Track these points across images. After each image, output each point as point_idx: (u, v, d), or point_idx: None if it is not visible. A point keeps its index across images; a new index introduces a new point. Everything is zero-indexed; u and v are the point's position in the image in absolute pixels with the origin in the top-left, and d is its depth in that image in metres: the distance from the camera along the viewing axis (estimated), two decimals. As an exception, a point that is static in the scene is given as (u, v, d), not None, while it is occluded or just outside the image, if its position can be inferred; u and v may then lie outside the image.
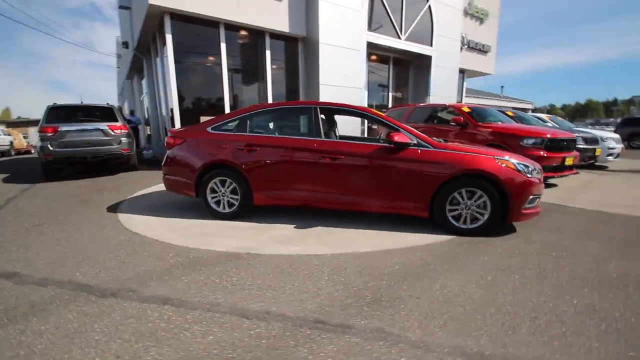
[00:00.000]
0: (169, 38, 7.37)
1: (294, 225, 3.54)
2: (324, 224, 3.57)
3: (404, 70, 12.35)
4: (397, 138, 3.24)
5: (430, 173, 3.19)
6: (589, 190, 5.46)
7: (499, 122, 6.25)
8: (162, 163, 4.13)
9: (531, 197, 3.16)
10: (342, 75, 9.36)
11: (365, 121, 9.75)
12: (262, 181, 3.65)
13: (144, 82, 12.03)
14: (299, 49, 9.42)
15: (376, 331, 1.73)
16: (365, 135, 9.97)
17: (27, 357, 1.57)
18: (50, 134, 6.53)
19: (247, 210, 3.79)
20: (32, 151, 20.27)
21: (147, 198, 5.01)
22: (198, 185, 3.82)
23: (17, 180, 7.19)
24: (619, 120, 20.07)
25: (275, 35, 8.87)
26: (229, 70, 8.36)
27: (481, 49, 14.58)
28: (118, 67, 19.74)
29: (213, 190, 3.81)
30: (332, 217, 3.74)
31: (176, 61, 7.56)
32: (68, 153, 6.70)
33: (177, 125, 7.70)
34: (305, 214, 3.91)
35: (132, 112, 13.61)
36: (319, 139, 3.54)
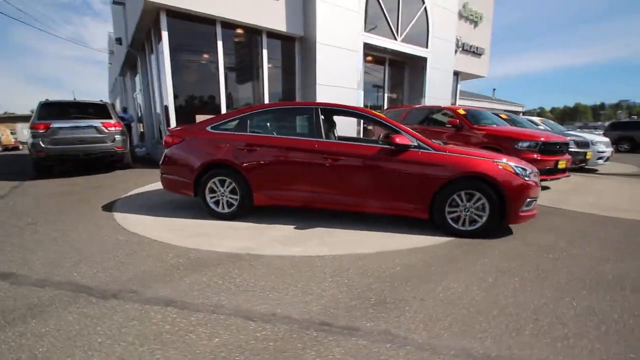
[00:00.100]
0: (164, 35, 7.26)
1: (294, 226, 3.53)
2: (324, 224, 3.57)
3: (399, 71, 12.42)
4: (399, 140, 3.26)
5: (431, 175, 3.22)
6: (580, 193, 5.57)
7: (494, 125, 6.33)
8: (160, 162, 4.07)
9: (528, 199, 3.20)
10: (339, 76, 9.36)
11: (361, 122, 9.79)
12: (263, 181, 3.63)
13: (138, 79, 11.83)
14: (295, 48, 9.39)
15: (383, 333, 1.74)
16: (361, 136, 9.99)
17: (29, 361, 1.53)
18: (42, 131, 6.39)
19: (247, 211, 3.77)
20: (21, 147, 19.83)
21: (142, 197, 4.94)
22: (197, 185, 3.79)
23: (6, 177, 7.03)
24: (607, 124, 20.49)
25: (272, 35, 8.82)
26: (225, 68, 8.29)
27: (475, 52, 14.79)
28: (110, 64, 19.40)
29: (212, 190, 3.78)
30: (331, 218, 3.75)
31: (172, 59, 7.45)
32: (60, 150, 6.57)
33: (172, 123, 7.61)
34: (304, 214, 3.91)
35: (124, 109, 13.38)
36: (320, 139, 3.54)
